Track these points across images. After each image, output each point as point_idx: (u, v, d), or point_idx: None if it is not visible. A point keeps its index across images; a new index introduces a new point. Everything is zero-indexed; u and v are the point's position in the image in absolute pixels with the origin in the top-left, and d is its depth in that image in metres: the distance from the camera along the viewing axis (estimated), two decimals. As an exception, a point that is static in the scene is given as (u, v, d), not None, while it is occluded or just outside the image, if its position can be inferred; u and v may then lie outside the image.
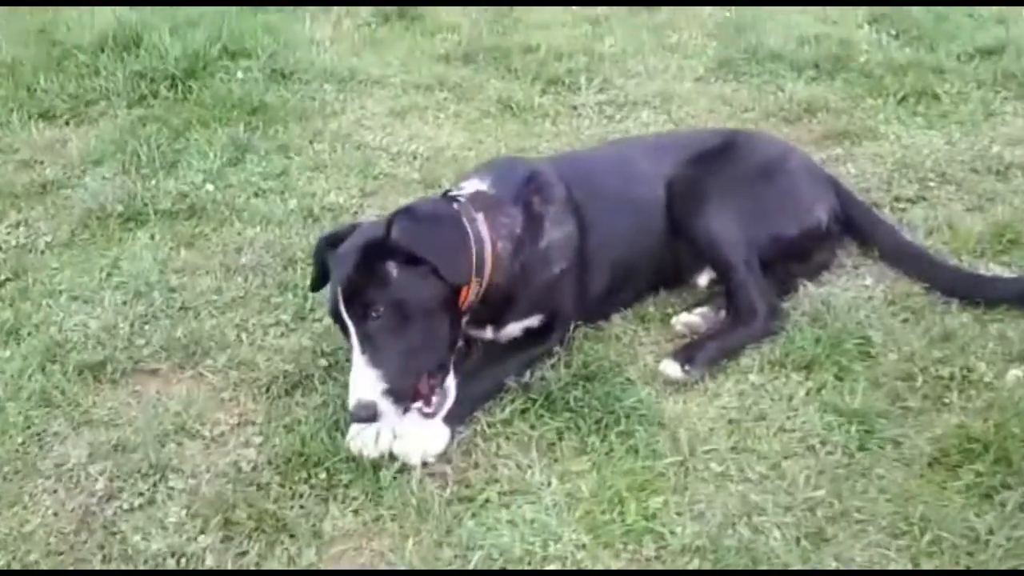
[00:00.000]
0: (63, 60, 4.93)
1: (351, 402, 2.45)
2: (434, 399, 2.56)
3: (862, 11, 5.66)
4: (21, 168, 4.18)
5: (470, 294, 2.64)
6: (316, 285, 2.84)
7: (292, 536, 2.34)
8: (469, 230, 2.66)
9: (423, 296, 2.53)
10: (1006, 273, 3.22)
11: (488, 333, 2.86)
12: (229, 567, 2.27)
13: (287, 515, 2.39)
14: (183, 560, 2.28)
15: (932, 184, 3.78)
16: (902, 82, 4.59)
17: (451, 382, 2.61)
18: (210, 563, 2.27)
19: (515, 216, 2.80)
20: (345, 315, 2.51)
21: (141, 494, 2.48)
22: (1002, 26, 5.24)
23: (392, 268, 2.52)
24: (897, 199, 3.70)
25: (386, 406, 2.44)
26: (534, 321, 2.86)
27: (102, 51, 4.87)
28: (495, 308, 2.78)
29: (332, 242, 2.72)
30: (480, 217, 2.71)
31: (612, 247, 3.00)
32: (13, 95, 4.71)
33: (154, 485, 2.50)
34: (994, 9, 5.53)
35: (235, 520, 2.36)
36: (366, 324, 2.48)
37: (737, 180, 3.13)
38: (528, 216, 2.82)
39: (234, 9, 5.59)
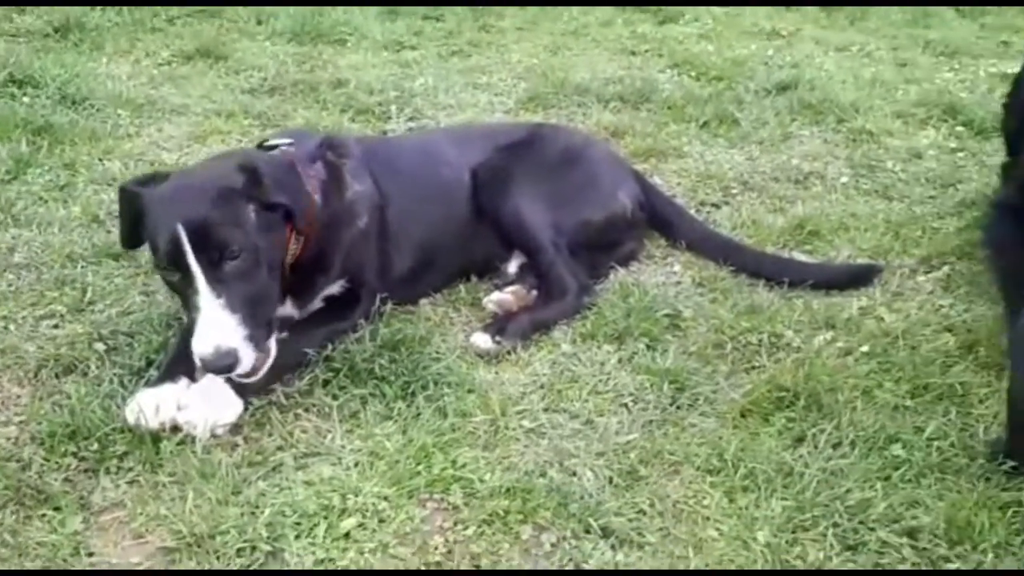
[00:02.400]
0: None
1: (206, 350, 2.23)
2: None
3: (664, 58, 5.85)
4: None
5: (290, 247, 2.52)
6: (129, 239, 2.53)
7: (57, 508, 2.07)
8: None
9: (271, 242, 2.41)
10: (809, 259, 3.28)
11: (290, 308, 2.67)
12: (-24, 539, 1.98)
13: (50, 487, 2.12)
14: (-82, 532, 1.98)
15: (735, 191, 3.86)
16: (703, 110, 4.70)
17: (272, 342, 2.42)
18: (-48, 534, 1.98)
19: (317, 169, 2.70)
20: (191, 258, 2.28)
21: None
22: (796, 69, 5.50)
23: (251, 211, 2.37)
24: (702, 203, 3.75)
25: (246, 353, 2.27)
26: (336, 288, 2.71)
27: None
28: (304, 271, 2.62)
29: (143, 184, 2.47)
30: None
31: (413, 223, 2.92)
32: None
33: None
34: (787, 56, 5.82)
35: (-13, 493, 2.08)
36: (220, 267, 2.29)
37: (542, 167, 3.14)
38: (328, 169, 2.73)
39: (24, 46, 5.31)
